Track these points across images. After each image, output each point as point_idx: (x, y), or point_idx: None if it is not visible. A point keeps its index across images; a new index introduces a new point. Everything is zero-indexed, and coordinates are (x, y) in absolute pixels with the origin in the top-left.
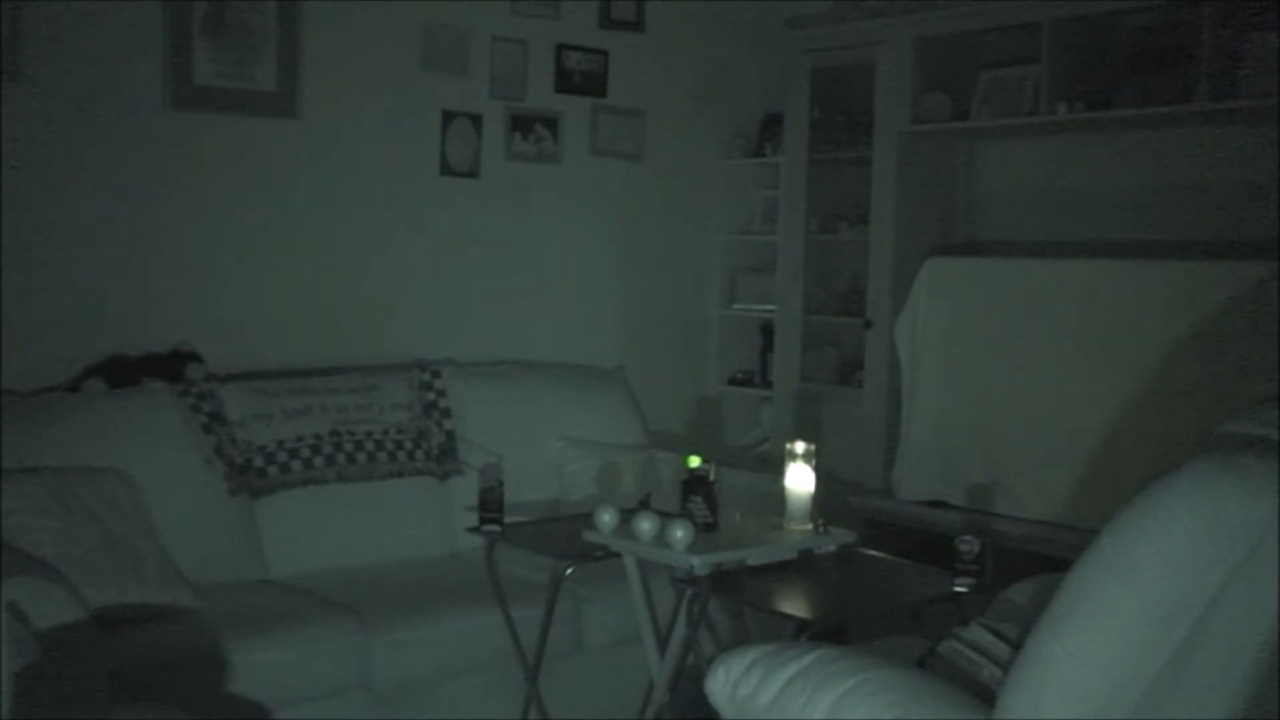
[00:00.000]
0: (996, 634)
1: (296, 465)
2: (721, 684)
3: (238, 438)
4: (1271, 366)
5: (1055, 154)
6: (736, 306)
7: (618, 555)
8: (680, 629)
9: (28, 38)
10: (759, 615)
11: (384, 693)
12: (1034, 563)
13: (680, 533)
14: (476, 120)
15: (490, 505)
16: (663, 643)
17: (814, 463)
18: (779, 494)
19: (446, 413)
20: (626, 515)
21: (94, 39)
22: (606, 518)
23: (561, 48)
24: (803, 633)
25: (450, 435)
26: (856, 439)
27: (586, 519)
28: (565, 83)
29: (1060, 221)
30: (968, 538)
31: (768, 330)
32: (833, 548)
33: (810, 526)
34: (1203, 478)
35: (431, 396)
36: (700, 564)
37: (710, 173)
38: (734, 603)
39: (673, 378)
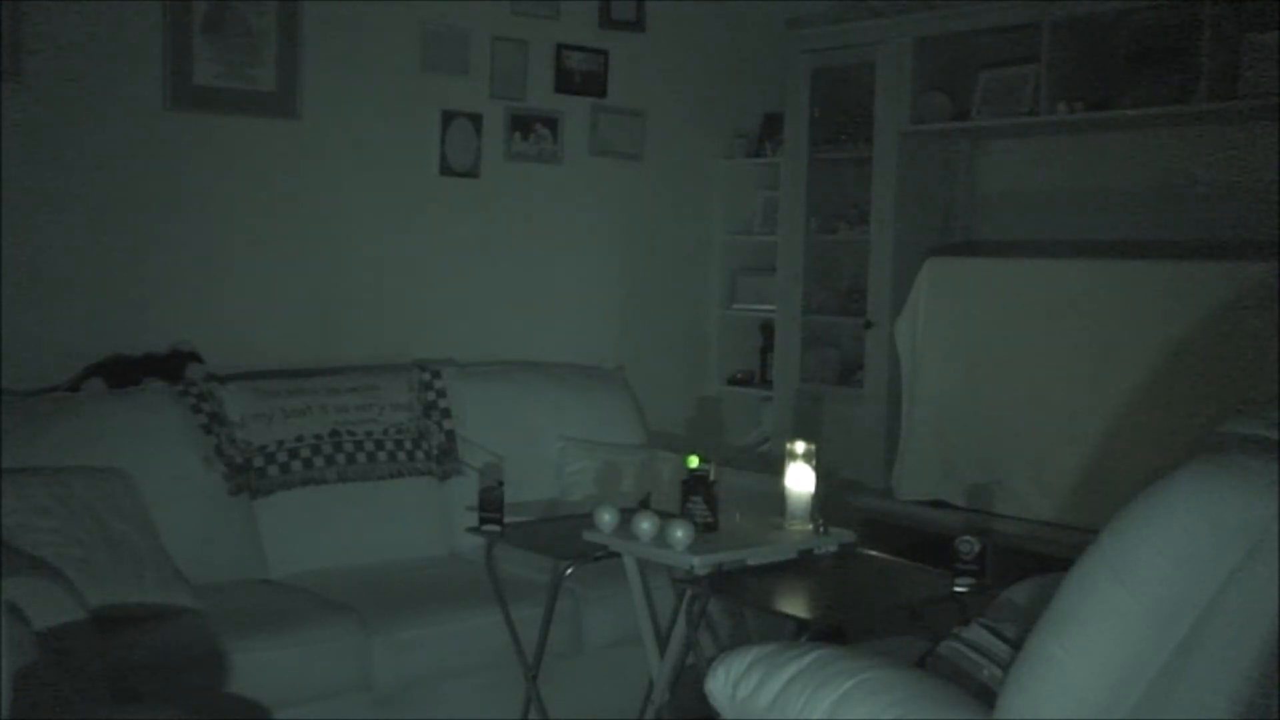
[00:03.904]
0: (996, 634)
1: (296, 465)
2: (721, 684)
3: (238, 438)
4: (1271, 366)
5: (1055, 154)
6: (736, 306)
7: (618, 555)
8: (680, 629)
9: (28, 38)
10: (759, 615)
11: (384, 693)
12: (1034, 563)
13: (680, 533)
14: (476, 120)
15: (490, 505)
16: (663, 643)
17: (814, 463)
18: (779, 494)
19: (446, 413)
20: (626, 515)
21: (94, 39)
22: (606, 518)
23: (561, 48)
24: (803, 633)
25: (450, 435)
26: (856, 439)
27: (586, 519)
28: (565, 83)
29: (1060, 221)
30: (968, 538)
31: (768, 330)
32: (833, 548)
33: (810, 526)
34: (1203, 478)
35: (431, 396)
36: (700, 564)
37: (710, 173)
38: (734, 603)
39: (673, 378)
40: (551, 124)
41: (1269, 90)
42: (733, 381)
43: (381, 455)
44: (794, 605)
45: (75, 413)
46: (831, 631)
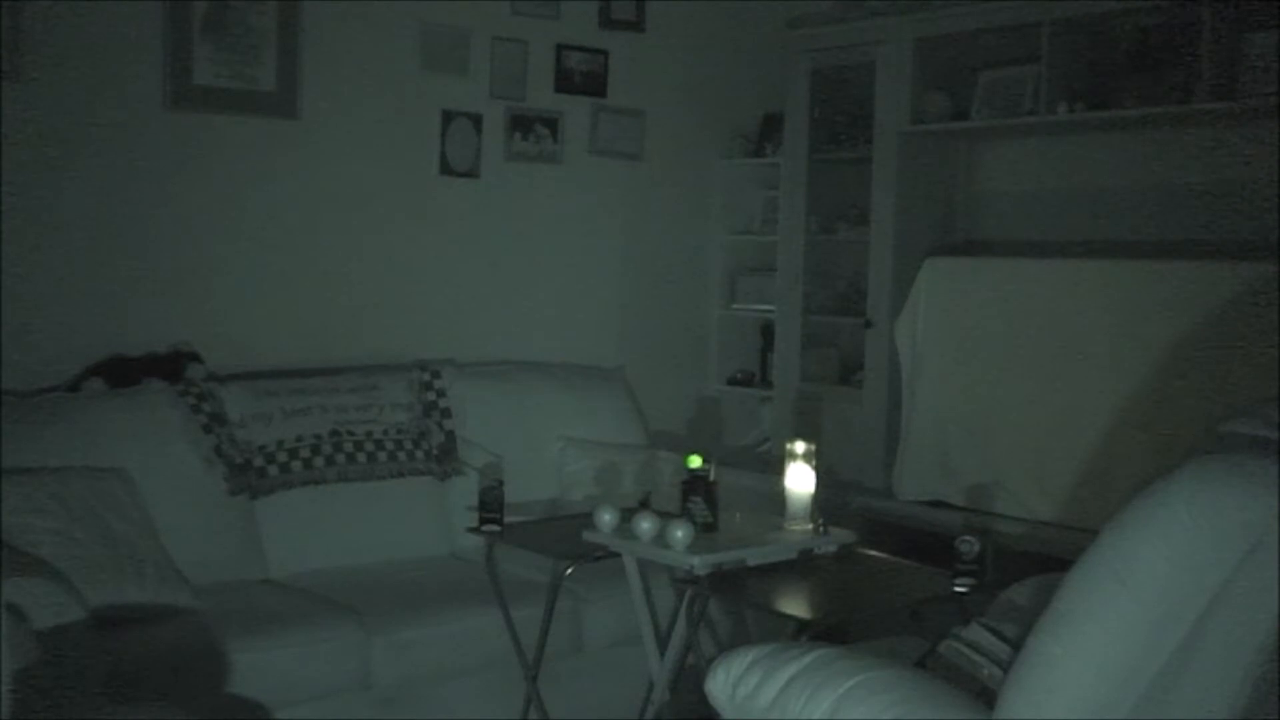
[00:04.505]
0: (996, 634)
1: (296, 465)
2: (721, 684)
3: (238, 438)
4: (1271, 366)
5: (1055, 154)
6: (736, 306)
7: (618, 555)
8: (680, 629)
9: (28, 38)
10: (759, 615)
11: (384, 693)
12: (1034, 563)
13: (680, 533)
14: (476, 120)
15: (490, 505)
16: (663, 643)
17: (814, 463)
18: (779, 494)
19: (446, 413)
20: (626, 515)
21: (94, 39)
22: (606, 518)
23: (561, 48)
24: (803, 633)
25: (450, 435)
26: (856, 439)
27: (586, 519)
28: (565, 83)
29: (1060, 221)
30: (968, 538)
31: (768, 330)
32: (833, 548)
33: (810, 526)
34: (1203, 478)
35: (431, 396)
36: (700, 564)
37: (710, 173)
38: (734, 603)
39: (673, 378)
40: (551, 124)
41: (1269, 90)
42: (733, 381)
43: (381, 455)
44: (794, 605)
45: (75, 413)
46: (831, 631)
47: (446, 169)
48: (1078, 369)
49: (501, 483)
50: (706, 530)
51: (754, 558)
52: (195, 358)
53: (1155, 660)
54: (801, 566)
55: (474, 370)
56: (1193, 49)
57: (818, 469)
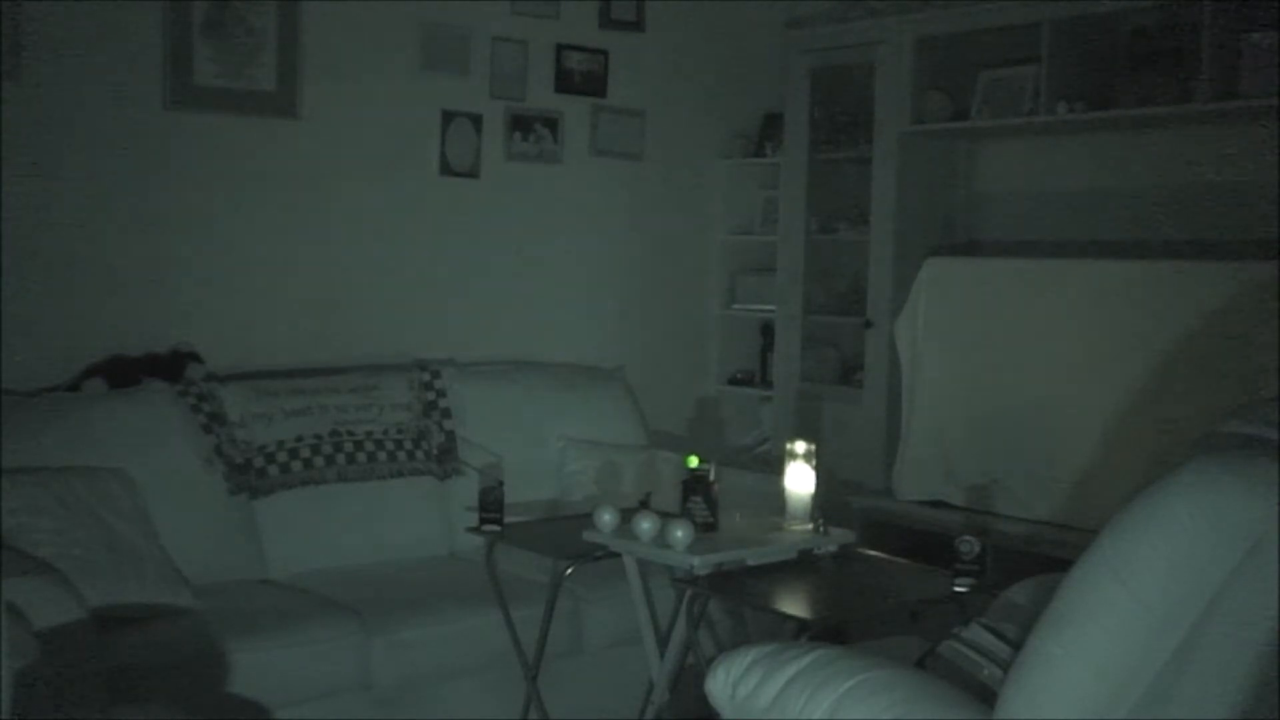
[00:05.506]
0: (996, 634)
1: (296, 465)
2: (721, 684)
3: (238, 438)
4: (1271, 366)
5: (1055, 154)
6: (736, 306)
7: (618, 555)
8: (680, 629)
9: (28, 38)
10: (759, 615)
11: (384, 693)
12: (1034, 563)
13: (680, 533)
14: (476, 120)
15: (490, 505)
16: (663, 643)
17: (814, 463)
18: (779, 494)
19: (446, 413)
20: (626, 515)
21: (94, 39)
22: (606, 518)
23: (561, 48)
24: (803, 633)
25: (450, 435)
26: (856, 439)
27: (586, 519)
28: (565, 83)
29: (1060, 221)
30: (968, 538)
31: (768, 330)
32: (833, 548)
33: (810, 526)
34: (1203, 478)
35: (431, 396)
36: (700, 564)
37: (710, 173)
38: (734, 603)
39: (673, 378)
40: (551, 124)
41: (1269, 90)
42: (733, 381)
43: (381, 455)
44: (794, 605)
45: (75, 413)
46: (831, 631)
47: (446, 169)
48: (1078, 369)
49: (501, 483)
50: (706, 530)
51: (754, 558)
52: (195, 358)
53: (1155, 660)
54: (801, 566)
55: (474, 370)
56: (1193, 49)
57: (818, 469)
